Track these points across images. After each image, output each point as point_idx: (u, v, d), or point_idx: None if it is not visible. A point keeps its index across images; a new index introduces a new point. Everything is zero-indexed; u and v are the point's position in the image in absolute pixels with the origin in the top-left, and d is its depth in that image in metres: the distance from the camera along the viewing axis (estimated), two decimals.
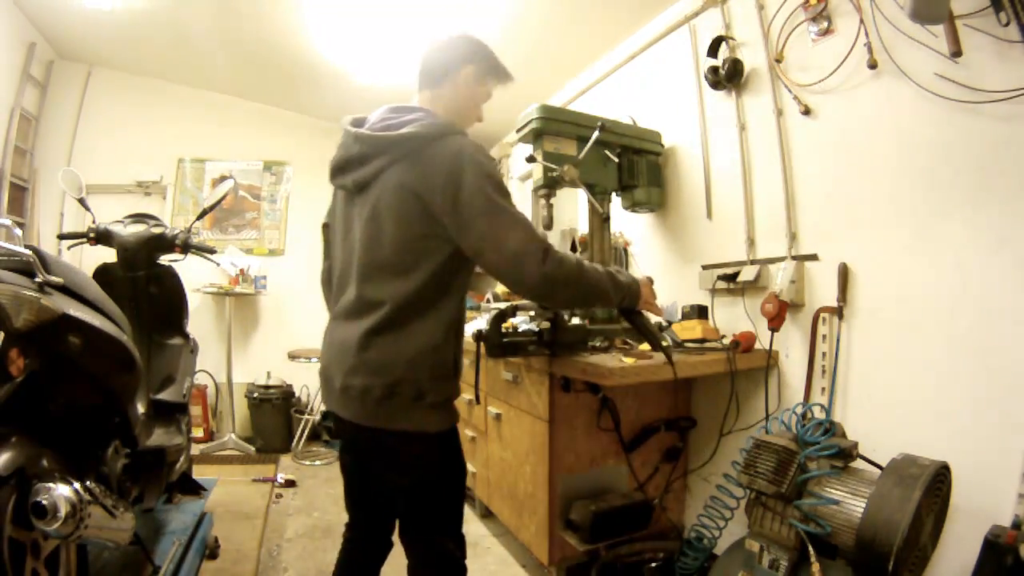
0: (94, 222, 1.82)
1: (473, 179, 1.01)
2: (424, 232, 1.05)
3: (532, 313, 1.77)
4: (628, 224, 2.52)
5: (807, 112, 1.71)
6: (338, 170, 1.17)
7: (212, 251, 1.95)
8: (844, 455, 1.26)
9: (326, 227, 1.34)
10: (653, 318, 1.62)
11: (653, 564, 1.75)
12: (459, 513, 1.21)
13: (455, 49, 1.20)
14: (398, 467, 1.13)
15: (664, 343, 1.48)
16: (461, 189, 1.01)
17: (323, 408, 1.23)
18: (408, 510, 1.17)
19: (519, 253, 1.02)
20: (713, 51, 1.99)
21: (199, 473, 2.16)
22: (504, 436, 2.12)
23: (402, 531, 1.20)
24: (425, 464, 1.13)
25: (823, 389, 1.61)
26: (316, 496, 2.74)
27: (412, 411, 1.08)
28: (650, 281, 1.38)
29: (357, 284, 1.12)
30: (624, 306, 1.27)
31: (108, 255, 1.76)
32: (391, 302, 1.06)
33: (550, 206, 1.92)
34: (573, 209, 3.10)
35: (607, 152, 2.03)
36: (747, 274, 1.85)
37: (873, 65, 1.49)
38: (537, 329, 1.72)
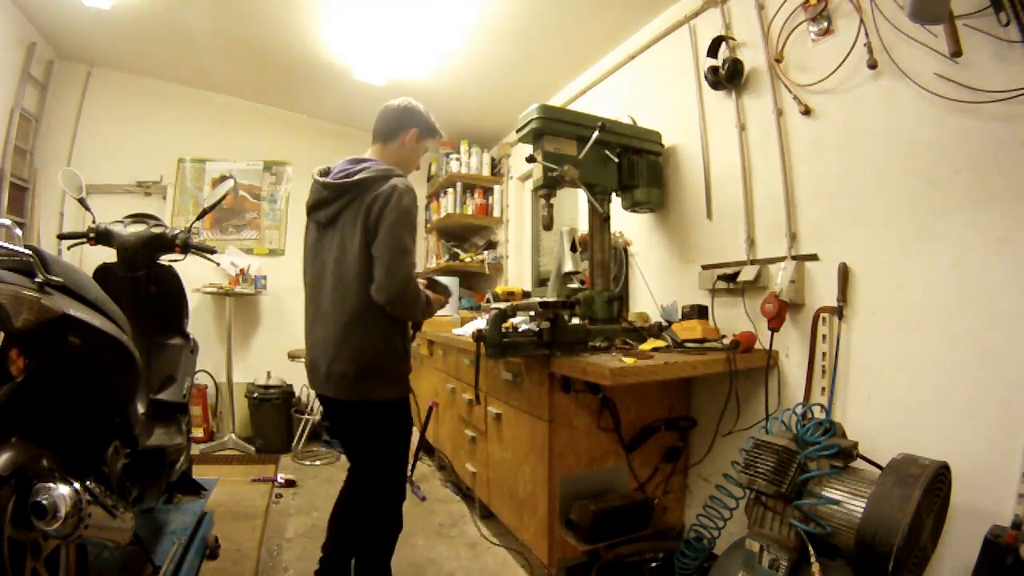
0: (94, 222, 1.81)
1: (396, 204, 1.45)
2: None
3: (532, 313, 1.77)
4: (628, 224, 2.52)
5: (807, 112, 1.71)
6: (312, 209, 1.62)
7: (212, 251, 1.95)
8: (844, 455, 1.26)
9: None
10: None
11: (653, 564, 1.75)
12: (406, 459, 1.66)
13: (405, 114, 1.65)
14: (371, 426, 1.57)
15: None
16: (386, 208, 1.45)
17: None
18: (374, 456, 1.60)
19: (406, 279, 1.46)
20: (713, 51, 1.99)
21: (199, 473, 2.16)
22: (504, 436, 2.12)
23: (365, 474, 1.65)
24: (389, 422, 1.59)
25: (823, 389, 1.61)
26: (316, 496, 2.74)
27: (377, 386, 1.53)
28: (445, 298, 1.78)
29: (331, 295, 1.53)
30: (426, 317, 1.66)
31: (108, 255, 1.76)
32: (356, 307, 1.48)
33: (550, 206, 1.92)
34: (573, 209, 3.10)
35: (607, 152, 2.04)
36: (747, 274, 1.85)
37: (873, 65, 1.49)
38: (537, 329, 1.72)
